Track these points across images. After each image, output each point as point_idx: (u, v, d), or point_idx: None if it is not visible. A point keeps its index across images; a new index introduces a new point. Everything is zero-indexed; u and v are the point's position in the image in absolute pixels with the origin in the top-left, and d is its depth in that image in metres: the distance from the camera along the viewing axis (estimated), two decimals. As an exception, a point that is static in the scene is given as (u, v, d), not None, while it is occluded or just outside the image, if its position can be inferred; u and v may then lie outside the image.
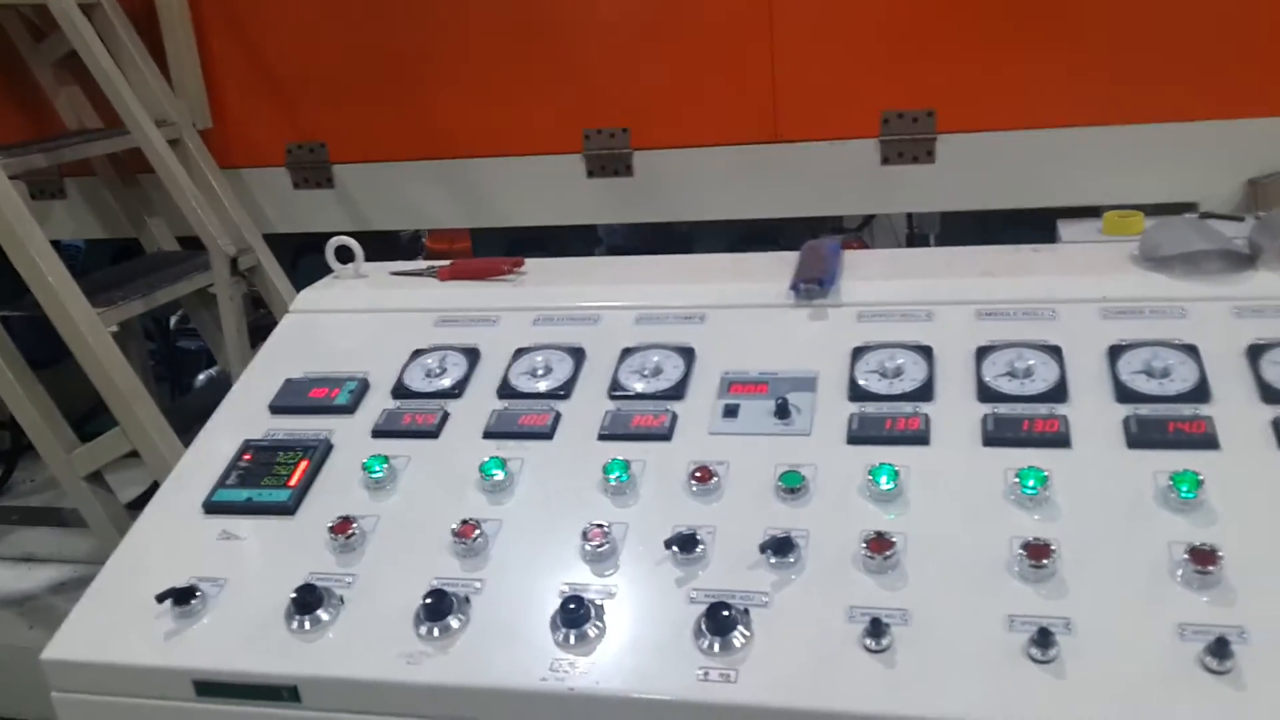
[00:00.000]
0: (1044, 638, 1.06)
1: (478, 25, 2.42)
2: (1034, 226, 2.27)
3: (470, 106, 2.50)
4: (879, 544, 1.18)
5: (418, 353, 1.56)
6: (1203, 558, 1.09)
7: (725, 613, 1.14)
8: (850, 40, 2.31)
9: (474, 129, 2.52)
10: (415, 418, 1.45)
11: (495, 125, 2.50)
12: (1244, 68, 2.11)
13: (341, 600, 1.24)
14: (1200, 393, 1.28)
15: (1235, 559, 1.09)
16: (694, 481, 1.31)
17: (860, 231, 3.24)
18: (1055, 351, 1.38)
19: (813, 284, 1.53)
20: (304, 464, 1.40)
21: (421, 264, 1.72)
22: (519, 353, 1.54)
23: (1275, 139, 2.12)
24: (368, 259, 1.77)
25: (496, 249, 2.76)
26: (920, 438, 1.32)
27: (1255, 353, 1.31)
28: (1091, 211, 2.19)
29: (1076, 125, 2.23)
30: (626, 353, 1.51)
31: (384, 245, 2.92)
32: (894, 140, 2.32)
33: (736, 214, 2.52)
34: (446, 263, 1.70)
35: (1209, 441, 1.23)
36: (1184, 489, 1.16)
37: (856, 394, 1.40)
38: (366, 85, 2.51)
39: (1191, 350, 1.33)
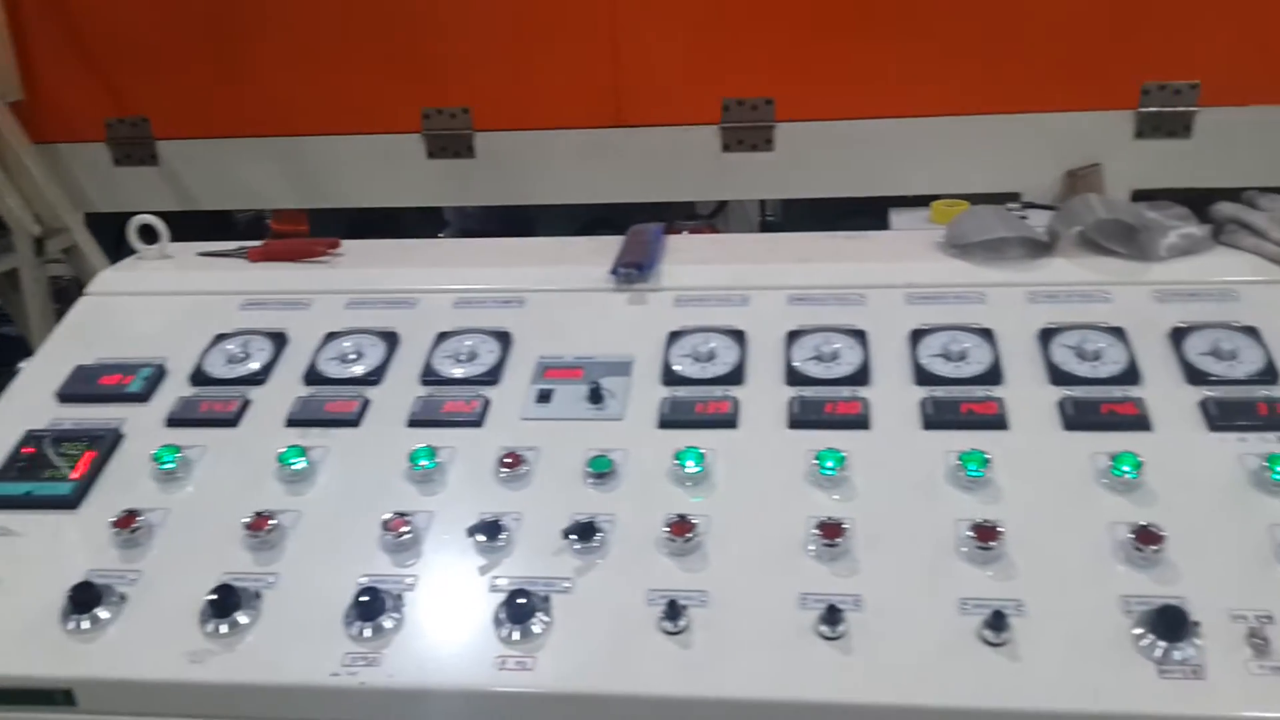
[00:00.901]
0: (832, 615, 1.08)
1: (314, -1, 2.32)
2: (872, 214, 2.31)
3: (305, 82, 2.40)
4: (680, 527, 1.18)
5: (220, 337, 1.49)
6: (981, 532, 1.12)
7: (523, 600, 1.13)
8: (691, 26, 2.31)
9: (309, 105, 2.42)
10: (213, 405, 1.39)
11: (332, 102, 2.41)
12: (1064, 64, 2.18)
13: (123, 598, 1.18)
14: (994, 375, 1.32)
15: (1015, 534, 1.13)
16: (503, 468, 1.29)
17: (714, 218, 3.26)
18: (860, 336, 1.40)
19: (632, 268, 1.53)
20: (90, 455, 1.32)
21: (231, 245, 1.65)
22: (329, 337, 1.49)
23: (1091, 132, 2.19)
24: (199, 240, 1.69)
25: (337, 230, 2.67)
26: (729, 421, 1.32)
27: (1046, 336, 1.36)
28: (923, 200, 2.25)
29: (907, 116, 2.27)
30: (441, 337, 1.47)
31: (217, 226, 2.81)
32: (734, 127, 2.33)
33: (580, 198, 2.49)
34: (257, 243, 1.63)
35: (999, 423, 1.27)
36: (972, 467, 1.20)
37: (670, 378, 1.40)
38: (193, 57, 2.39)
39: (987, 334, 1.37)
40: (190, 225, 2.45)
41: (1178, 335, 1.34)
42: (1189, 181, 2.24)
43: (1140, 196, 2.18)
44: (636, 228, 1.64)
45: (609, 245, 1.63)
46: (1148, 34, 2.11)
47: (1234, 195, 2.09)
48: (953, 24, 2.20)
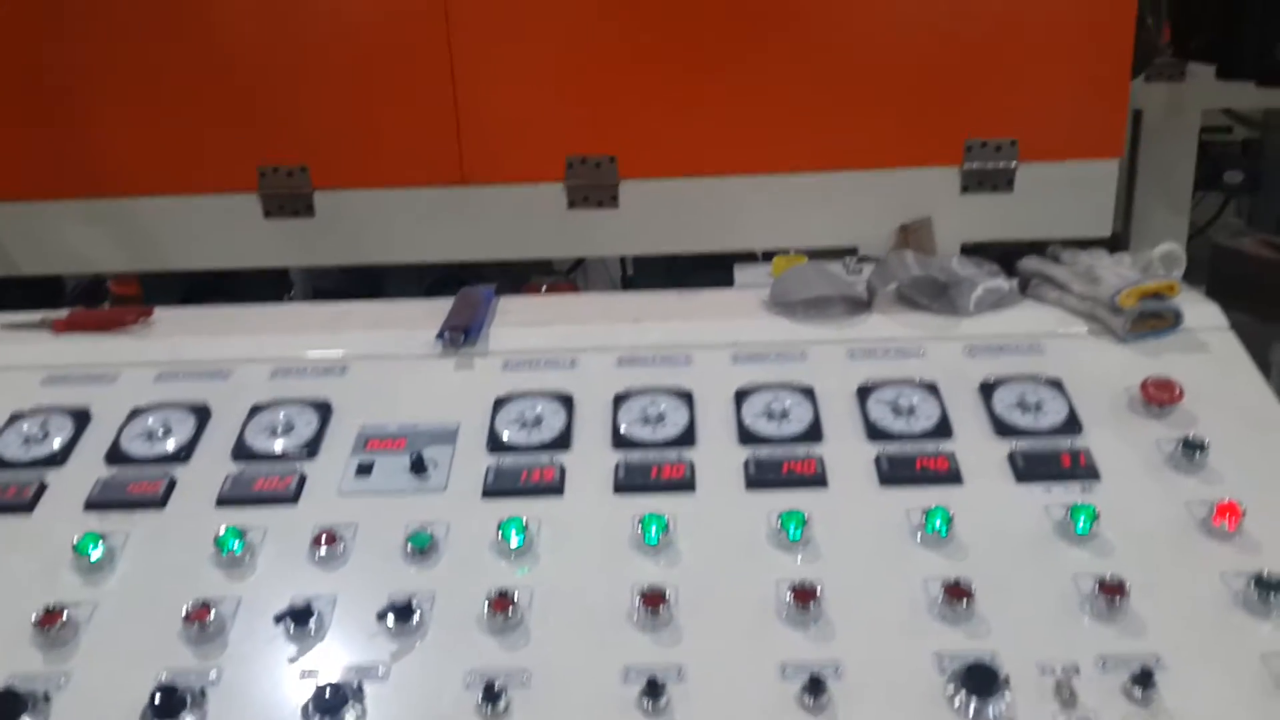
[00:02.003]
0: (652, 689, 1.06)
1: (140, 49, 2.24)
2: (719, 269, 2.34)
3: (134, 139, 2.31)
4: (501, 602, 1.15)
5: (16, 416, 1.40)
6: (800, 594, 1.13)
7: (333, 690, 1.07)
8: (533, 83, 2.31)
9: (138, 164, 2.32)
10: (4, 491, 1.30)
11: (163, 160, 2.32)
12: (893, 122, 2.25)
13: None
14: (814, 432, 1.34)
15: (833, 594, 1.14)
16: (317, 547, 1.23)
17: (571, 274, 3.26)
18: (686, 397, 1.40)
19: (458, 332, 1.50)
20: None
21: (35, 315, 1.56)
22: (135, 413, 1.41)
23: (920, 187, 2.26)
24: (25, 306, 1.59)
25: (173, 295, 2.57)
26: (554, 488, 1.30)
27: (864, 393, 1.38)
28: (768, 255, 2.29)
29: (747, 173, 2.31)
30: (256, 410, 1.41)
31: (47, 293, 2.68)
32: (579, 185, 2.34)
33: (424, 257, 2.45)
34: (62, 313, 1.54)
35: (819, 480, 1.28)
36: (791, 528, 1.20)
37: (495, 445, 1.37)
38: (11, 111, 2.27)
39: (808, 392, 1.39)
40: (15, 292, 2.34)
41: (986, 389, 1.38)
42: (1014, 234, 2.34)
43: (969, 249, 2.27)
44: (466, 290, 1.62)
45: (438, 308, 1.60)
46: (969, 93, 2.20)
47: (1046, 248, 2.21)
48: (790, 84, 2.26)
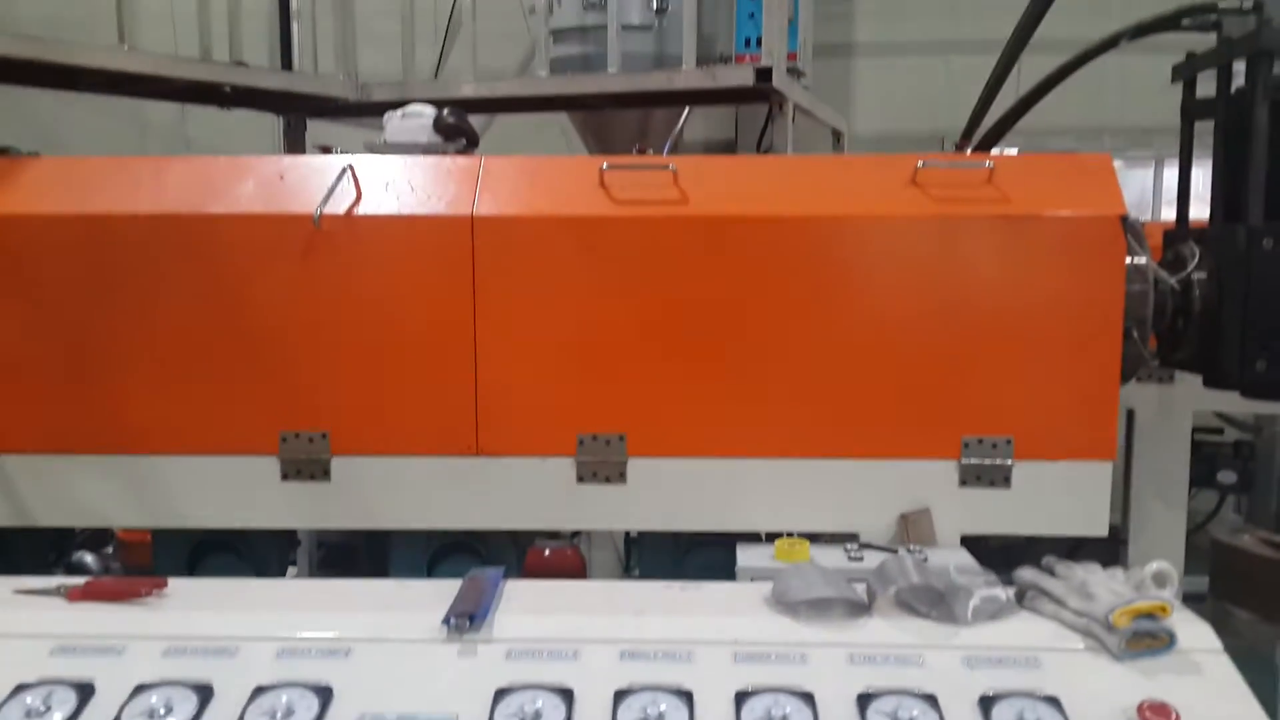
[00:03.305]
0: None
1: (174, 317, 2.37)
2: (723, 546, 2.38)
3: (160, 401, 2.42)
4: None
5: (21, 687, 1.41)
6: None
7: None
8: (550, 362, 2.43)
9: (162, 424, 2.42)
10: (-2, 769, 1.29)
11: (185, 421, 2.42)
12: (895, 416, 2.36)
13: None
14: (814, 743, 1.33)
15: None
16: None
17: (575, 538, 3.28)
18: (687, 696, 1.41)
19: (464, 618, 1.52)
20: None
21: (52, 582, 1.59)
22: (139, 689, 1.42)
23: (920, 479, 2.34)
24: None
25: (182, 547, 2.60)
26: (550, 791, 1.29)
27: (863, 701, 1.39)
28: (771, 536, 2.33)
29: (753, 456, 2.39)
30: (258, 691, 1.42)
31: (59, 535, 2.72)
32: (589, 461, 2.41)
33: (436, 524, 2.50)
34: (78, 581, 1.57)
35: (815, 795, 1.26)
36: None
37: (493, 740, 1.36)
38: (43, 369, 2.39)
39: (809, 698, 1.39)
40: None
41: (985, 703, 1.39)
42: (1012, 529, 2.39)
43: (967, 541, 2.31)
44: (475, 573, 1.65)
45: (447, 589, 1.63)
46: (966, 392, 2.32)
47: (1051, 545, 2.24)
48: (796, 374, 2.38)
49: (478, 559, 2.55)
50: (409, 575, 2.48)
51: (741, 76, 3.29)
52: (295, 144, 4.02)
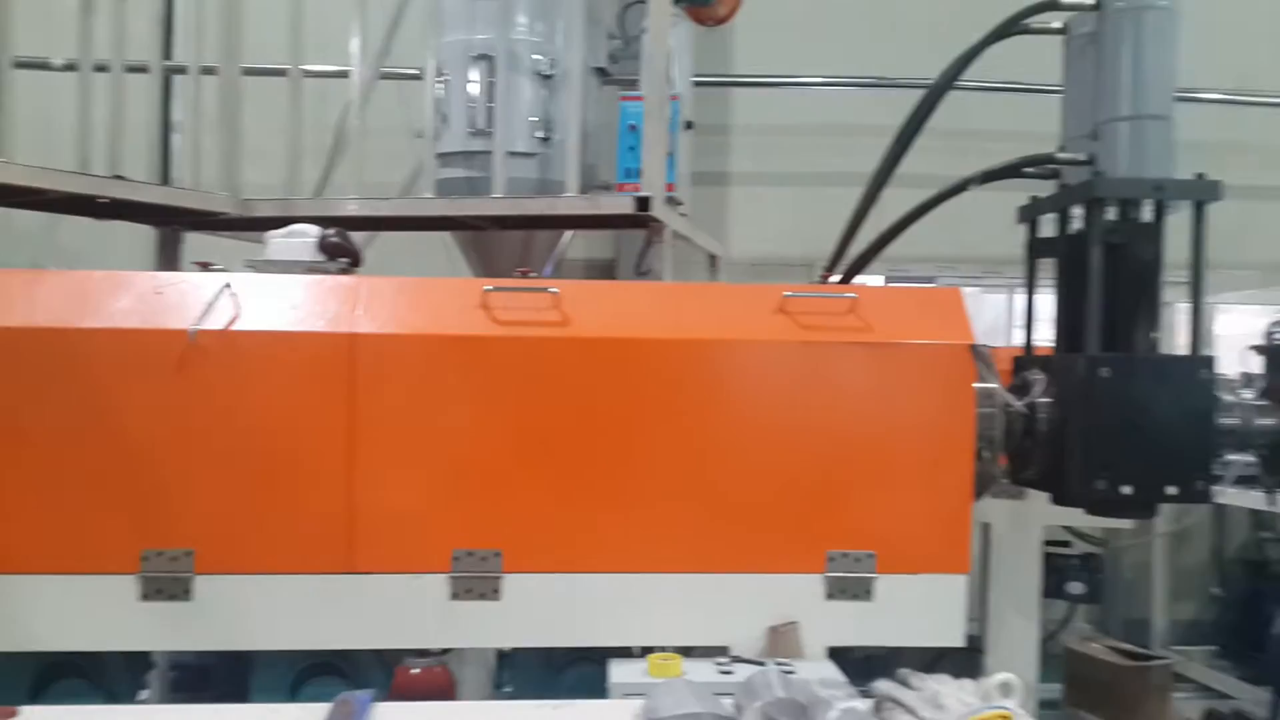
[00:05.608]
0: None
1: (34, 432, 2.31)
2: (597, 662, 2.38)
3: (14, 517, 2.32)
4: None
5: None
6: None
7: None
8: (427, 479, 2.44)
9: (14, 542, 2.32)
10: None
11: (40, 539, 2.33)
12: (764, 531, 2.43)
13: None
14: None
15: None
16: None
17: (446, 654, 3.22)
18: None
19: (331, 744, 1.50)
20: None
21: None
22: (-22, 825, 1.35)
23: (789, 592, 2.41)
24: None
25: (31, 667, 2.46)
26: None
27: (730, 817, 1.42)
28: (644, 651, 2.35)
29: (627, 571, 2.42)
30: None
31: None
32: (463, 577, 2.41)
33: (306, 644, 2.44)
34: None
35: None
36: None
37: None
38: None
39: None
40: None
41: (845, 815, 1.43)
42: (875, 640, 2.47)
43: (833, 653, 2.38)
44: (344, 696, 1.63)
45: (316, 714, 1.60)
46: (832, 509, 2.42)
47: (915, 654, 2.32)
48: (670, 492, 2.44)
49: (344, 679, 2.49)
50: (272, 698, 2.41)
51: (622, 205, 3.41)
52: (171, 257, 3.98)
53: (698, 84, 4.57)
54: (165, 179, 3.86)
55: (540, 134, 3.58)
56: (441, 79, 3.62)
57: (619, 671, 2.29)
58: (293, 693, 2.46)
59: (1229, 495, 4.24)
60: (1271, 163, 5.51)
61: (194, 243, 4.05)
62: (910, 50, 4.54)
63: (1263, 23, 5.49)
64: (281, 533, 2.41)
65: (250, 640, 2.42)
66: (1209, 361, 2.47)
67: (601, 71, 3.92)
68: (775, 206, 5.48)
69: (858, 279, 3.60)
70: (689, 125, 4.23)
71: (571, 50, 3.58)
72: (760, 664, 2.14)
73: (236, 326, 2.30)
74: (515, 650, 2.91)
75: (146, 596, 2.34)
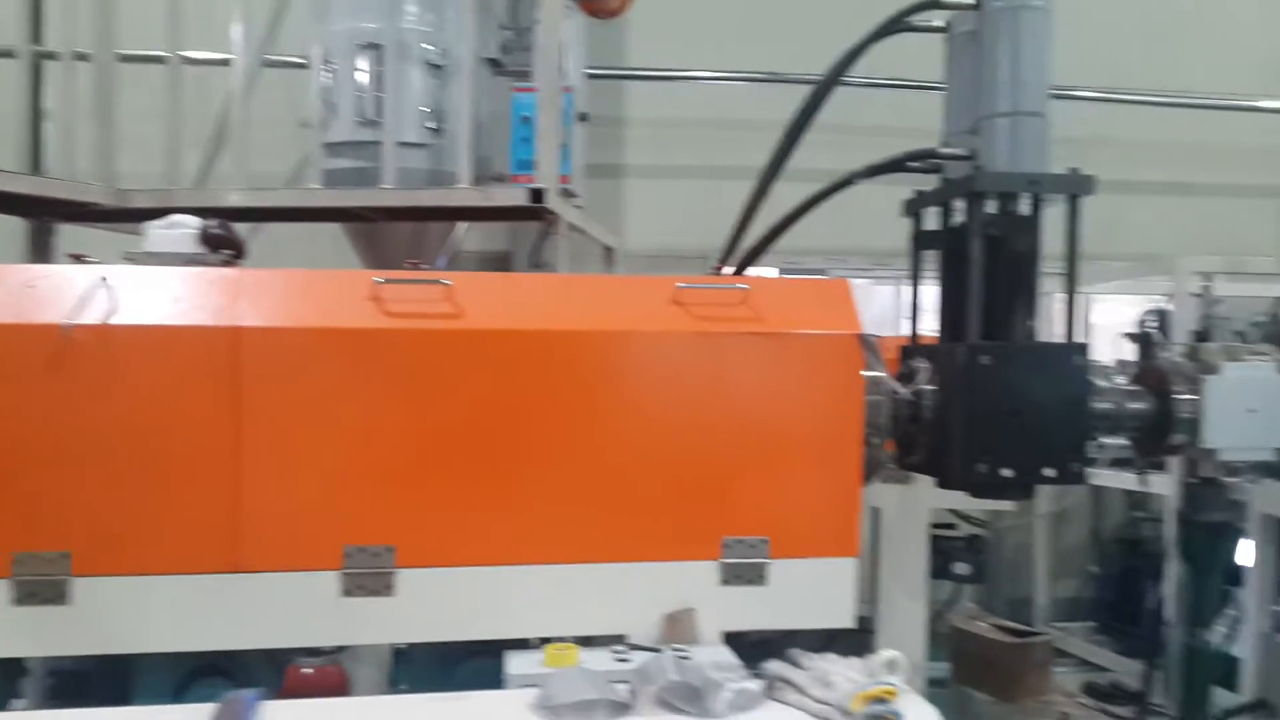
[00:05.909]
0: None
1: None
2: (493, 655, 2.37)
3: None
4: None
5: None
6: None
7: None
8: (316, 474, 2.39)
9: None
10: None
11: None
12: (659, 519, 2.45)
13: None
14: (574, 846, 1.35)
15: None
16: None
17: (339, 653, 3.16)
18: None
19: (215, 745, 1.46)
20: None
21: None
22: None
23: (684, 579, 2.43)
24: None
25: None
26: None
27: (622, 801, 1.43)
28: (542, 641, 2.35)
29: (523, 563, 2.42)
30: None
31: None
32: (355, 573, 2.37)
33: (190, 645, 2.37)
34: None
35: None
36: None
37: None
38: None
39: (569, 802, 1.42)
40: None
41: (737, 795, 1.46)
42: (769, 624, 2.52)
43: (729, 638, 2.42)
44: (230, 697, 1.60)
45: (200, 715, 1.56)
46: (727, 496, 2.45)
47: (808, 636, 2.37)
48: (565, 482, 2.44)
49: (232, 681, 2.43)
50: (155, 702, 2.33)
51: (515, 197, 3.40)
52: (43, 250, 3.81)
53: (591, 76, 4.57)
54: (36, 168, 3.70)
55: (431, 124, 3.54)
56: (329, 68, 3.55)
57: (516, 663, 2.29)
58: (177, 696, 2.39)
59: (1104, 477, 4.46)
60: (1142, 158, 5.78)
61: (68, 235, 3.89)
62: (800, 47, 4.62)
63: (1133, 24, 5.75)
64: (163, 532, 2.33)
65: (132, 643, 2.34)
66: (1083, 348, 2.58)
67: (494, 62, 3.89)
68: (670, 199, 5.53)
69: (750, 270, 3.65)
70: (584, 117, 4.23)
71: (462, 40, 3.54)
72: (656, 650, 2.16)
73: (113, 320, 2.22)
74: (411, 646, 2.88)
75: (20, 601, 2.24)
